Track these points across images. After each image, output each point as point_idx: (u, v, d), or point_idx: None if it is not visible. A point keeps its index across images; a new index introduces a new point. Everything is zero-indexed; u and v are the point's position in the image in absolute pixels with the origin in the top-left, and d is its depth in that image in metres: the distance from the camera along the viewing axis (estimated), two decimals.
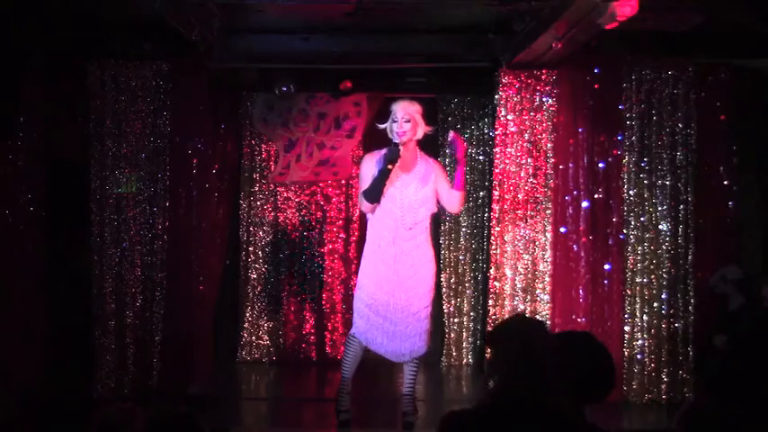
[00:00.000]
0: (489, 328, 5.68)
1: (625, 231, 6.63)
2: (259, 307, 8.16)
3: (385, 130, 5.67)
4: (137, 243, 6.69)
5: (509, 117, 6.71)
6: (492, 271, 6.76)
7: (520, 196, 6.71)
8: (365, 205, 5.62)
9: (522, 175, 6.70)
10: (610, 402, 6.14)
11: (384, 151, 5.56)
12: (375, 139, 8.10)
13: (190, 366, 6.75)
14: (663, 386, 6.58)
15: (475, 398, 5.49)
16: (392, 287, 5.61)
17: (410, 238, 5.63)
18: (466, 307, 8.16)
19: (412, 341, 5.63)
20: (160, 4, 5.29)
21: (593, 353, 2.92)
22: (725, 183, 6.73)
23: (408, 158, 5.60)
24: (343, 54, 7.09)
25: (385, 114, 5.76)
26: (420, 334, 5.64)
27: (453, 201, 5.66)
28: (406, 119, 5.54)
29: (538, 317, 6.67)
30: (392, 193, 5.57)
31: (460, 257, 8.19)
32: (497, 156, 6.73)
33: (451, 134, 5.75)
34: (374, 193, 5.54)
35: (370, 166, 5.62)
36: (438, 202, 5.73)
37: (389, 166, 5.49)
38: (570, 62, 6.50)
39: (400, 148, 5.53)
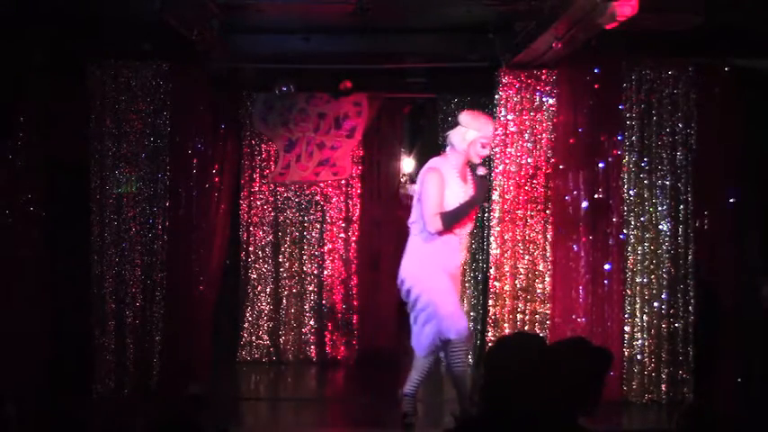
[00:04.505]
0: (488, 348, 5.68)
1: (625, 231, 6.63)
2: (259, 307, 8.15)
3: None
4: (137, 243, 6.70)
5: (509, 117, 6.71)
6: (492, 271, 6.77)
7: (520, 196, 6.71)
8: (437, 226, 5.53)
9: (522, 174, 6.71)
10: (610, 402, 6.24)
11: (475, 179, 5.68)
12: (375, 138, 8.15)
13: (190, 366, 6.75)
14: (663, 386, 6.58)
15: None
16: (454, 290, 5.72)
17: (462, 241, 5.76)
18: (466, 307, 8.12)
19: None
20: (160, 4, 5.28)
21: (585, 360, 2.91)
22: (725, 183, 6.73)
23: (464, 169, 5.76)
24: (343, 54, 7.09)
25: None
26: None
27: None
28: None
29: (538, 317, 6.68)
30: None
31: None
32: (497, 156, 6.73)
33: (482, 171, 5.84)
34: (459, 220, 5.58)
35: (437, 182, 5.56)
36: None
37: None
38: (570, 62, 6.50)
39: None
